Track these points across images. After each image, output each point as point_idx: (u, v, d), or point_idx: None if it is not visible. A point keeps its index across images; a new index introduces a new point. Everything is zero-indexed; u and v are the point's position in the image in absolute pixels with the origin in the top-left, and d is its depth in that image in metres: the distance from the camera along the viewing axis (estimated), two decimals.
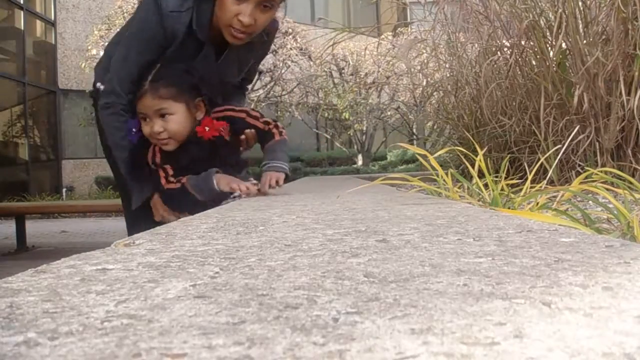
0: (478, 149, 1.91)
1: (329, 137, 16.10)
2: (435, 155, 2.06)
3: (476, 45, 3.17)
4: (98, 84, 2.01)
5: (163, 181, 1.86)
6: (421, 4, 3.80)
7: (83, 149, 14.15)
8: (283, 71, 12.54)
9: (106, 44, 2.11)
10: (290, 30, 12.36)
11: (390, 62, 8.77)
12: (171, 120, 1.82)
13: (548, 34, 2.54)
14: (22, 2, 12.89)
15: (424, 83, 4.07)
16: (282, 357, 0.28)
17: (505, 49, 2.87)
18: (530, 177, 1.67)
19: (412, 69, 4.33)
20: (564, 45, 2.44)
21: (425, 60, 3.85)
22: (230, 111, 1.94)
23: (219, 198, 1.78)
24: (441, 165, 1.87)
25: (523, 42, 2.66)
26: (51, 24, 14.18)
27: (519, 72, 2.71)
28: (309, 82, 13.21)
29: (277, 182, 1.81)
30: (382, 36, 8.90)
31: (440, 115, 3.75)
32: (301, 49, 12.48)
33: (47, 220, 9.89)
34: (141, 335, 0.33)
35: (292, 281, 0.47)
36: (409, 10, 4.79)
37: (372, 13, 14.12)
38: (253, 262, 0.57)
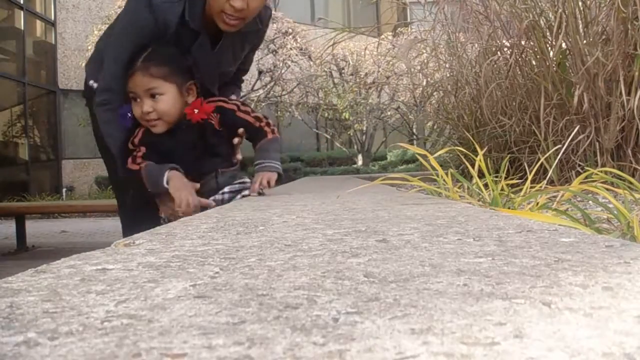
0: (478, 149, 1.91)
1: (329, 137, 16.09)
2: (435, 155, 2.06)
3: (476, 45, 3.17)
4: (91, 82, 1.98)
5: (129, 160, 1.81)
6: (421, 4, 3.80)
7: (83, 149, 14.13)
8: (283, 71, 12.53)
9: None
10: (290, 30, 12.36)
11: (390, 62, 8.76)
12: (161, 100, 1.78)
13: (548, 34, 2.54)
14: (22, 2, 12.88)
15: (424, 83, 4.07)
16: (282, 357, 0.28)
17: (505, 49, 2.87)
18: (530, 177, 1.67)
19: (412, 69, 4.32)
20: (564, 45, 2.44)
21: (425, 60, 3.85)
22: (222, 102, 1.91)
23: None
24: (441, 165, 1.87)
25: (523, 42, 2.66)
26: (51, 24, 14.18)
27: (519, 72, 2.71)
28: (309, 82, 13.20)
29: (268, 182, 1.80)
30: (382, 36, 8.89)
31: (440, 115, 3.75)
32: (301, 49, 12.47)
33: (47, 220, 9.88)
34: (141, 335, 0.33)
35: (292, 281, 0.47)
36: (409, 10, 4.80)
37: (372, 13, 14.12)
38: (253, 262, 0.57)
